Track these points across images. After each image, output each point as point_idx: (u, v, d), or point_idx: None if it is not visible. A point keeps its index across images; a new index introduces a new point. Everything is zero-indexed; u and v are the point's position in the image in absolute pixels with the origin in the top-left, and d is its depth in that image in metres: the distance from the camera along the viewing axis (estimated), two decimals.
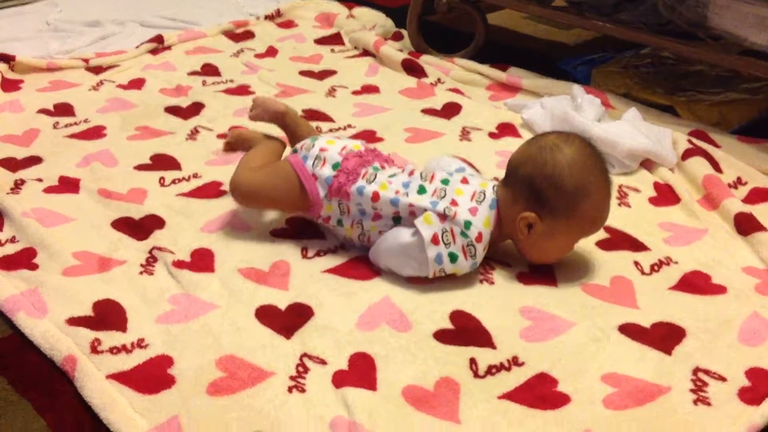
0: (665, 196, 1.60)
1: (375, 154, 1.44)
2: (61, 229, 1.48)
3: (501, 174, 1.63)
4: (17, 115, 1.96)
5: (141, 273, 1.37)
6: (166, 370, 1.15)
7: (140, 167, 1.71)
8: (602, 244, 1.42)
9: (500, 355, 1.18)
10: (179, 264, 1.38)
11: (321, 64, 2.31)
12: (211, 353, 1.18)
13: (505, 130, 1.88)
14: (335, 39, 2.49)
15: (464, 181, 1.36)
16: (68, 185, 1.64)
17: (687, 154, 1.68)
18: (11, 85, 2.12)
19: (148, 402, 1.10)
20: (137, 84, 2.14)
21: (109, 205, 1.56)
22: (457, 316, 1.26)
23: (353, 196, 1.36)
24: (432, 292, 1.31)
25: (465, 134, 1.86)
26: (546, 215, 1.28)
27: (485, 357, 1.18)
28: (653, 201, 1.59)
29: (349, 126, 1.89)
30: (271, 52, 2.39)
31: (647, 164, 1.70)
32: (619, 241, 1.45)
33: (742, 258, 1.41)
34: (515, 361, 1.17)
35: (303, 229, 1.48)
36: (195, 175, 1.67)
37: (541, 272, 1.35)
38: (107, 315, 1.26)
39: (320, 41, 2.48)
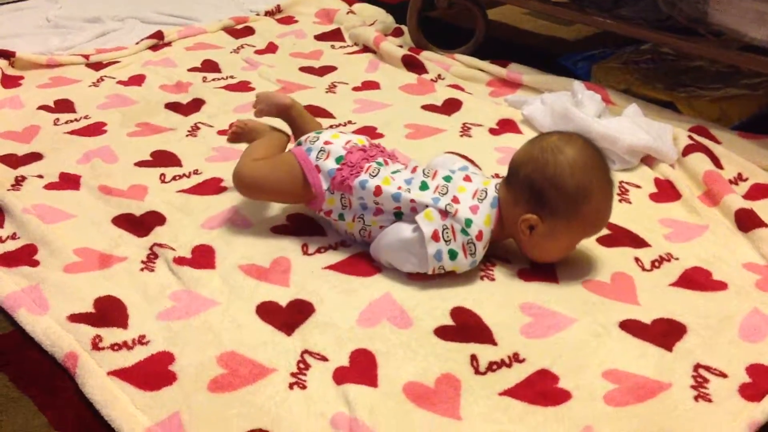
0: (666, 192, 1.60)
1: (379, 149, 1.44)
2: (61, 226, 1.48)
3: (501, 170, 1.64)
4: (17, 112, 1.96)
5: (142, 270, 1.37)
6: (167, 367, 1.16)
7: (141, 164, 1.71)
8: (603, 241, 1.42)
9: (501, 351, 1.19)
10: (180, 260, 1.38)
11: (321, 60, 2.30)
12: (212, 350, 1.18)
13: (506, 126, 1.88)
14: (335, 35, 2.49)
15: (467, 178, 1.36)
16: (69, 182, 1.64)
17: (687, 150, 1.68)
18: (11, 82, 2.12)
19: (150, 398, 1.10)
20: (137, 80, 2.14)
21: (110, 201, 1.56)
22: (458, 313, 1.26)
23: (356, 189, 1.36)
24: (433, 289, 1.31)
25: (465, 130, 1.86)
26: (547, 217, 1.28)
27: (486, 353, 1.18)
28: (654, 197, 1.59)
29: (350, 122, 1.89)
30: (271, 48, 2.39)
31: (648, 160, 1.70)
32: (620, 237, 1.45)
33: (742, 254, 1.41)
34: (516, 358, 1.17)
35: (304, 226, 1.48)
36: (195, 172, 1.67)
37: (542, 269, 1.36)
38: (108, 312, 1.26)
39: (320, 37, 2.48)
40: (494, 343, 1.20)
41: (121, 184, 1.62)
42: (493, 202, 1.32)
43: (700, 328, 1.22)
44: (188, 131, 1.86)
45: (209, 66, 2.24)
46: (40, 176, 1.65)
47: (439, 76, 2.17)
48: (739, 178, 1.64)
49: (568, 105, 1.77)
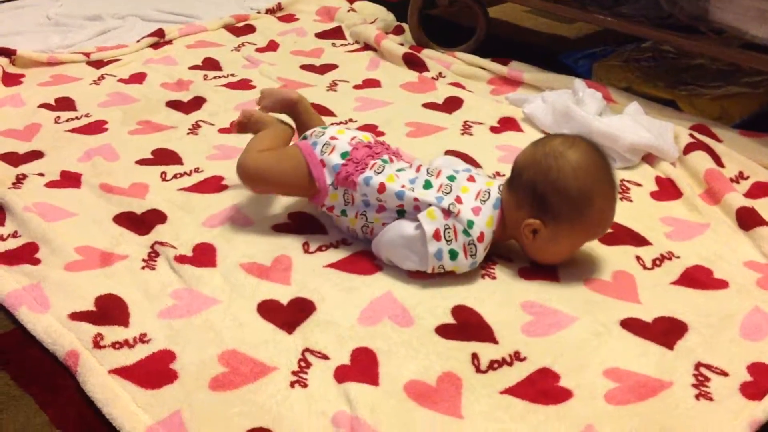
0: (667, 190, 1.60)
1: (384, 146, 1.44)
2: (62, 224, 1.48)
3: (502, 168, 1.64)
4: (18, 110, 1.96)
5: (143, 268, 1.37)
6: (169, 365, 1.16)
7: (142, 162, 1.71)
8: (604, 239, 1.42)
9: (502, 350, 1.19)
10: (181, 259, 1.38)
11: (322, 58, 2.30)
12: (213, 348, 1.18)
13: (507, 124, 1.88)
14: (336, 33, 2.48)
15: (470, 179, 1.36)
16: (70, 180, 1.64)
17: (689, 149, 1.68)
18: (12, 80, 2.12)
19: (151, 397, 1.10)
20: (138, 78, 2.14)
21: (111, 199, 1.56)
22: (459, 311, 1.26)
23: (360, 185, 1.36)
24: (434, 287, 1.31)
25: (466, 128, 1.86)
26: (550, 221, 1.28)
27: (487, 352, 1.18)
28: (655, 195, 1.59)
29: (351, 120, 1.89)
30: (272, 46, 2.39)
31: (649, 158, 1.70)
32: (621, 235, 1.44)
33: (743, 253, 1.41)
34: (517, 356, 1.17)
35: (305, 224, 1.48)
36: (196, 170, 1.67)
37: (543, 267, 1.35)
38: (109, 310, 1.26)
39: (321, 35, 2.48)
40: (495, 342, 1.20)
41: (122, 183, 1.62)
42: (495, 204, 1.32)
43: (701, 326, 1.22)
44: (189, 129, 1.86)
45: (210, 64, 2.24)
46: (41, 174, 1.65)
47: (440, 74, 2.16)
48: (740, 177, 1.63)
49: (569, 103, 1.77)
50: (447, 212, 1.29)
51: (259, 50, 2.35)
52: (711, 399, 1.09)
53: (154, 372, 1.14)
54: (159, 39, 2.39)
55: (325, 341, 1.20)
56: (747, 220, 1.46)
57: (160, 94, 2.05)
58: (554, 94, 1.86)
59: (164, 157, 1.73)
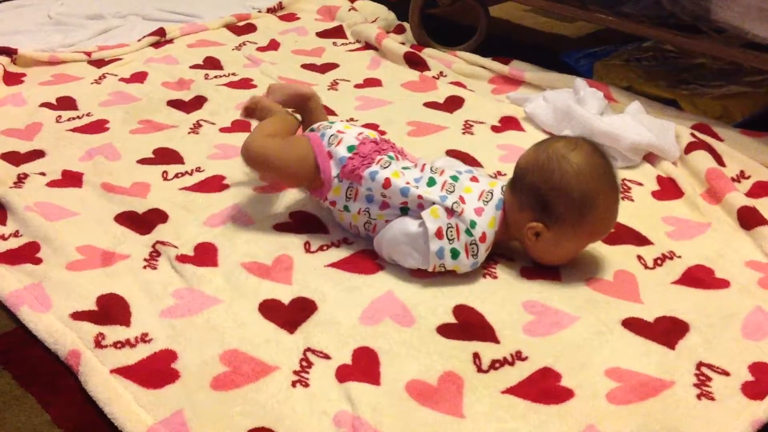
0: (668, 189, 1.60)
1: (390, 144, 1.45)
2: (64, 224, 1.48)
3: (504, 168, 1.64)
4: (20, 109, 1.96)
5: (144, 267, 1.37)
6: (170, 365, 1.16)
7: (143, 161, 1.71)
8: (606, 239, 1.41)
9: (503, 349, 1.19)
10: (183, 258, 1.38)
11: (323, 57, 2.30)
12: (214, 348, 1.19)
13: (508, 123, 1.87)
14: (337, 32, 2.48)
15: (473, 179, 1.36)
16: (71, 179, 1.64)
17: (690, 148, 1.68)
18: (13, 79, 2.12)
19: (153, 396, 1.10)
20: (139, 77, 2.13)
21: (113, 199, 1.56)
22: (461, 311, 1.26)
23: (365, 180, 1.36)
24: (435, 287, 1.31)
25: (467, 128, 1.86)
26: (553, 224, 1.28)
27: (488, 351, 1.18)
28: (656, 195, 1.59)
29: (352, 120, 1.89)
30: (273, 45, 2.39)
31: (650, 158, 1.69)
32: (623, 235, 1.44)
33: (745, 252, 1.40)
34: (519, 356, 1.17)
35: (306, 223, 1.48)
36: (198, 169, 1.67)
37: (545, 267, 1.35)
38: (111, 309, 1.27)
39: (322, 34, 2.48)
40: (497, 341, 1.20)
41: (124, 182, 1.62)
42: (498, 204, 1.32)
43: (702, 326, 1.22)
44: (190, 128, 1.86)
45: (211, 63, 2.24)
46: (43, 174, 1.65)
47: (441, 73, 2.16)
48: (742, 176, 1.63)
49: (571, 102, 1.77)
50: (450, 211, 1.29)
51: (260, 49, 2.35)
52: (712, 399, 1.09)
53: (156, 371, 1.14)
54: (160, 38, 2.39)
55: (326, 341, 1.20)
56: (748, 219, 1.46)
57: (161, 93, 2.05)
58: (555, 94, 1.86)
59: (165, 156, 1.73)
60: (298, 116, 1.59)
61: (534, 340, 1.20)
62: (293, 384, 1.12)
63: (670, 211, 1.53)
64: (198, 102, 1.99)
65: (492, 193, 1.33)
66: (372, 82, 2.11)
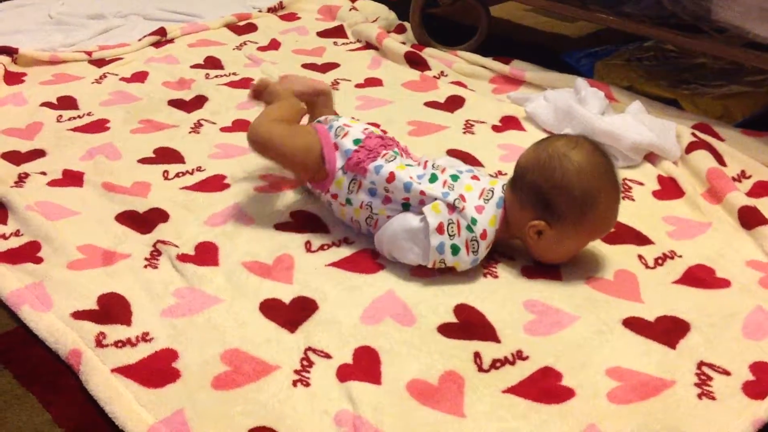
0: (669, 189, 1.60)
1: (395, 141, 1.45)
2: (65, 223, 1.48)
3: (504, 167, 1.64)
4: (20, 109, 1.96)
5: (145, 267, 1.37)
6: (171, 364, 1.16)
7: (144, 160, 1.71)
8: (606, 238, 1.42)
9: (504, 348, 1.19)
10: (183, 258, 1.38)
11: (324, 56, 2.30)
12: (215, 347, 1.19)
13: (509, 123, 1.87)
14: (338, 32, 2.48)
15: (474, 178, 1.37)
16: (72, 179, 1.64)
17: (691, 148, 1.68)
18: (14, 78, 2.12)
19: (153, 396, 1.10)
20: (140, 77, 2.13)
21: (113, 198, 1.56)
22: (462, 310, 1.26)
23: (370, 173, 1.36)
24: (436, 286, 1.31)
25: (468, 127, 1.86)
26: (554, 222, 1.28)
27: (489, 351, 1.18)
28: (657, 194, 1.59)
29: (352, 119, 1.88)
30: (274, 44, 2.39)
31: (651, 157, 1.69)
32: (624, 234, 1.44)
33: (746, 252, 1.40)
34: (519, 355, 1.17)
35: (307, 223, 1.48)
36: (198, 169, 1.67)
37: (545, 266, 1.35)
38: (112, 309, 1.27)
39: (323, 34, 2.48)
40: (498, 341, 1.20)
41: (125, 181, 1.62)
42: (498, 203, 1.32)
43: (703, 325, 1.22)
44: (191, 128, 1.86)
45: (212, 63, 2.24)
46: (43, 173, 1.65)
47: (442, 73, 2.16)
48: (743, 176, 1.63)
49: (572, 102, 1.77)
50: (452, 207, 1.29)
51: (261, 49, 2.35)
52: (713, 398, 1.09)
53: (157, 371, 1.14)
54: (161, 38, 2.39)
55: (327, 340, 1.20)
56: (749, 219, 1.46)
57: (162, 92, 2.05)
58: (556, 93, 1.86)
59: (166, 155, 1.73)
60: (304, 105, 1.59)
61: (535, 340, 1.20)
62: (294, 383, 1.12)
63: (671, 210, 1.53)
64: (199, 101, 1.99)
65: (492, 192, 1.33)
66: (373, 82, 2.11)
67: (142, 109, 1.95)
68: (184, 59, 2.26)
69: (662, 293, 1.30)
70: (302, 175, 1.48)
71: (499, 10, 2.63)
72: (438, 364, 1.16)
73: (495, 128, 1.86)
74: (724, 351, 1.17)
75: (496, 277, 1.34)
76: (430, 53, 2.25)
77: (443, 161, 1.50)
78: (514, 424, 1.06)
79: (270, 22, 2.58)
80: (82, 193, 1.59)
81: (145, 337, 1.21)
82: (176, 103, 1.98)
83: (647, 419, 1.06)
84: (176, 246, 1.41)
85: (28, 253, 1.40)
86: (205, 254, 1.40)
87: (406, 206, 1.35)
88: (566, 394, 1.10)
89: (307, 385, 1.12)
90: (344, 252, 1.40)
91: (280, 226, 1.48)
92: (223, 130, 1.85)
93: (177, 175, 1.65)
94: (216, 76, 2.14)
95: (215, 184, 1.62)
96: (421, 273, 1.33)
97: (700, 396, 1.09)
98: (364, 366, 1.15)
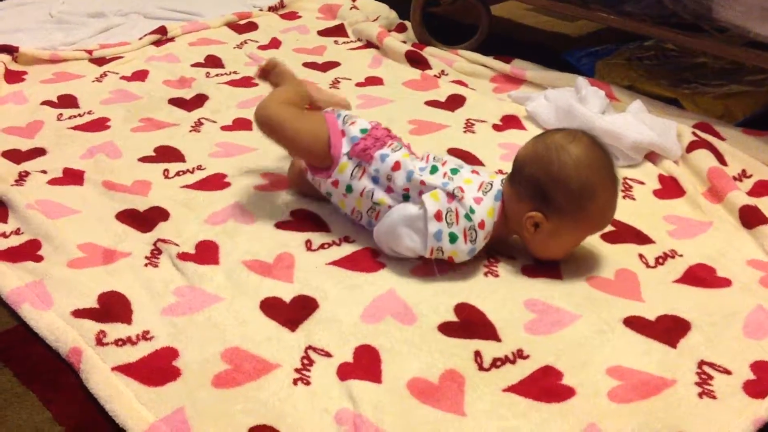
0: (670, 188, 1.60)
1: (398, 138, 1.46)
2: (65, 221, 1.48)
3: (505, 166, 1.64)
4: (21, 107, 1.96)
5: (146, 265, 1.37)
6: (172, 363, 1.16)
7: (144, 159, 1.71)
8: (607, 237, 1.42)
9: (505, 347, 1.18)
10: (184, 256, 1.38)
11: (324, 55, 2.30)
12: (216, 345, 1.18)
13: (510, 122, 1.87)
14: (338, 30, 2.48)
15: (474, 172, 1.37)
16: (72, 177, 1.63)
17: (692, 147, 1.67)
18: (15, 77, 2.12)
19: (154, 394, 1.10)
20: (141, 76, 2.13)
21: (114, 197, 1.56)
22: (462, 309, 1.26)
23: (375, 160, 1.38)
24: (437, 285, 1.31)
25: (469, 126, 1.86)
26: (552, 215, 1.28)
27: (490, 350, 1.18)
28: (658, 194, 1.59)
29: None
30: (275, 43, 2.39)
31: (652, 157, 1.69)
32: (624, 233, 1.44)
33: (746, 251, 1.40)
34: (520, 354, 1.17)
35: (307, 221, 1.48)
36: (199, 167, 1.67)
37: (546, 265, 1.35)
38: (112, 307, 1.27)
39: (323, 33, 2.48)
40: (498, 340, 1.20)
41: (125, 180, 1.62)
42: (497, 195, 1.32)
43: (704, 324, 1.22)
44: (192, 127, 1.86)
45: (212, 61, 2.24)
46: (44, 171, 1.65)
47: (443, 71, 2.16)
48: (743, 175, 1.63)
49: (572, 101, 1.77)
50: (451, 196, 1.30)
51: (262, 48, 2.35)
52: (714, 397, 1.09)
53: (157, 369, 1.14)
54: (161, 36, 2.38)
55: (327, 339, 1.20)
56: (750, 218, 1.46)
57: (163, 91, 2.05)
58: (557, 92, 1.86)
59: (167, 154, 1.73)
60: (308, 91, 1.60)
61: (535, 339, 1.20)
62: (294, 382, 1.12)
63: (672, 209, 1.53)
64: (199, 100, 1.99)
65: (491, 185, 1.34)
66: (373, 81, 2.11)
67: (143, 108, 1.95)
68: (185, 58, 2.26)
69: (663, 292, 1.30)
70: (307, 160, 1.47)
71: (500, 9, 2.64)
72: (438, 362, 1.15)
73: (496, 127, 1.86)
74: (725, 350, 1.17)
75: (496, 276, 1.34)
76: (430, 52, 2.25)
77: (446, 158, 1.50)
78: (515, 423, 1.06)
79: (271, 20, 2.58)
80: (82, 191, 1.59)
81: (145, 336, 1.21)
82: (177, 102, 1.98)
83: (648, 418, 1.06)
84: (177, 244, 1.41)
85: (29, 252, 1.40)
86: (206, 253, 1.40)
87: (406, 197, 1.35)
88: (567, 393, 1.10)
89: (308, 383, 1.12)
90: (345, 251, 1.40)
91: (281, 225, 1.47)
92: (224, 128, 1.84)
93: (177, 174, 1.65)
94: (216, 75, 2.14)
95: (216, 182, 1.61)
96: (422, 272, 1.33)
97: (700, 395, 1.09)
98: (365, 365, 1.15)
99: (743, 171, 1.64)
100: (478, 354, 1.17)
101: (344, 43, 2.40)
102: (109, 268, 1.36)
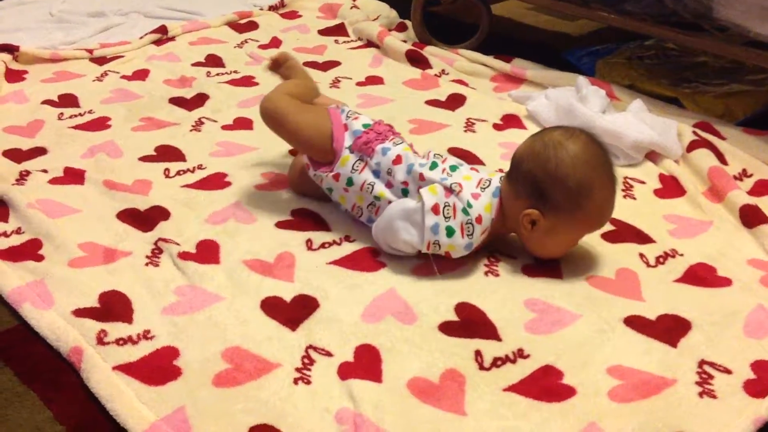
0: (670, 188, 1.60)
1: (399, 134, 1.47)
2: (66, 221, 1.48)
3: (505, 165, 1.63)
4: (22, 106, 1.96)
5: (146, 264, 1.37)
6: (172, 362, 1.16)
7: (145, 158, 1.71)
8: (608, 237, 1.42)
9: (505, 347, 1.19)
10: (185, 255, 1.38)
11: (325, 55, 2.30)
12: (216, 345, 1.19)
13: (510, 121, 1.87)
14: (339, 30, 2.48)
15: (473, 170, 1.38)
16: (73, 176, 1.63)
17: (692, 146, 1.68)
18: (15, 76, 2.12)
19: (155, 393, 1.10)
20: (141, 75, 2.13)
21: (115, 196, 1.56)
22: (463, 308, 1.26)
23: (377, 153, 1.39)
24: (437, 285, 1.31)
25: (469, 125, 1.86)
26: (549, 212, 1.28)
27: (490, 349, 1.18)
28: (658, 193, 1.59)
29: None
30: (275, 42, 2.39)
31: (652, 156, 1.69)
32: (625, 233, 1.44)
33: (747, 250, 1.40)
34: (520, 354, 1.17)
35: (308, 221, 1.48)
36: (200, 167, 1.67)
37: (547, 265, 1.35)
38: (113, 306, 1.27)
39: (324, 32, 2.48)
40: (499, 339, 1.20)
41: (126, 179, 1.62)
42: (495, 192, 1.33)
43: (704, 324, 1.22)
44: (192, 126, 1.86)
45: (213, 61, 2.24)
46: (45, 171, 1.65)
47: (443, 71, 2.16)
48: (744, 174, 1.63)
49: (573, 100, 1.77)
50: (449, 190, 1.30)
51: (262, 47, 2.35)
52: (714, 397, 1.09)
53: (158, 368, 1.14)
54: (162, 35, 2.38)
55: (328, 338, 1.20)
56: (750, 217, 1.46)
57: (163, 90, 2.05)
58: (557, 92, 1.86)
59: (167, 153, 1.73)
60: (317, 86, 1.63)
61: (536, 338, 1.20)
62: (295, 381, 1.12)
63: (672, 209, 1.53)
64: (200, 99, 1.99)
65: (490, 182, 1.34)
66: (374, 80, 2.11)
67: (143, 107, 1.95)
68: (186, 57, 2.26)
69: (663, 292, 1.30)
70: (309, 154, 1.48)
71: (501, 9, 2.63)
72: (439, 362, 1.16)
73: (496, 126, 1.86)
74: (725, 349, 1.17)
75: (497, 275, 1.34)
76: (431, 51, 2.25)
77: (446, 156, 1.51)
78: (515, 423, 1.06)
79: (271, 20, 2.58)
80: (83, 190, 1.59)
81: (146, 335, 1.21)
82: (177, 101, 1.98)
83: (648, 418, 1.06)
84: (177, 244, 1.41)
85: (30, 251, 1.40)
86: (206, 252, 1.40)
87: (405, 192, 1.36)
88: (567, 392, 1.10)
89: (308, 383, 1.12)
90: (345, 250, 1.40)
91: (281, 224, 1.48)
92: (224, 128, 1.84)
93: (178, 173, 1.65)
94: (217, 74, 2.14)
95: (216, 182, 1.62)
96: (423, 271, 1.33)
97: (701, 394, 1.09)
98: (365, 364, 1.15)
99: (744, 170, 1.64)
100: (478, 353, 1.17)
101: (345, 42, 2.40)
102: (110, 268, 1.36)
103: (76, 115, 1.92)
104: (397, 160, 1.37)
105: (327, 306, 1.27)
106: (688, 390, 1.10)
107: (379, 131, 1.43)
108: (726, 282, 1.32)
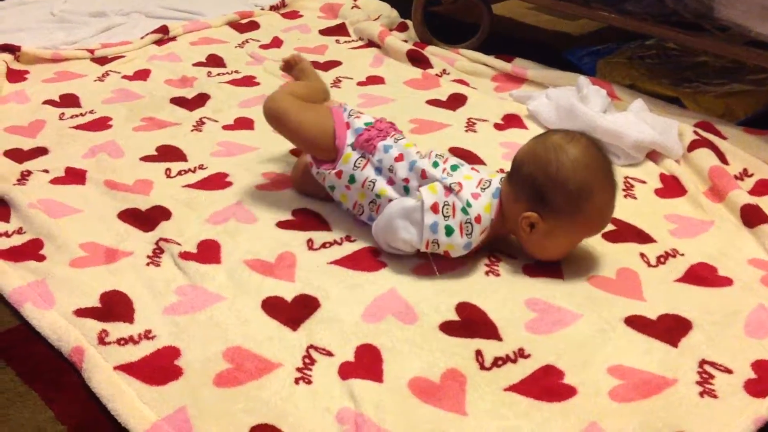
0: (671, 187, 1.60)
1: (401, 132, 1.48)
2: (67, 221, 1.48)
3: (506, 165, 1.63)
4: (23, 106, 1.96)
5: (148, 264, 1.37)
6: (173, 362, 1.16)
7: (146, 158, 1.71)
8: (608, 236, 1.42)
9: (506, 347, 1.19)
10: (186, 255, 1.38)
11: (326, 54, 2.30)
12: (217, 345, 1.19)
13: (511, 121, 1.87)
14: (340, 30, 2.48)
15: (473, 170, 1.38)
16: (75, 176, 1.64)
17: (693, 146, 1.68)
18: (17, 76, 2.12)
19: (156, 393, 1.10)
20: (142, 75, 2.14)
21: (116, 196, 1.56)
22: (463, 308, 1.26)
23: (378, 150, 1.39)
24: (438, 284, 1.31)
25: (470, 125, 1.86)
26: (548, 215, 1.28)
27: (491, 349, 1.18)
28: (659, 193, 1.59)
29: None
30: (276, 42, 2.39)
31: (653, 156, 1.69)
32: (626, 233, 1.44)
33: (748, 250, 1.40)
34: (521, 353, 1.17)
35: (309, 221, 1.48)
36: (201, 167, 1.68)
37: (547, 265, 1.35)
38: (114, 306, 1.27)
39: (325, 32, 2.48)
40: (499, 339, 1.20)
41: (127, 179, 1.62)
42: (495, 193, 1.33)
43: (705, 323, 1.22)
44: (193, 126, 1.86)
45: (214, 61, 2.24)
46: (46, 171, 1.66)
47: (444, 71, 2.16)
48: (745, 174, 1.63)
49: (574, 100, 1.77)
50: (449, 189, 1.30)
51: (263, 47, 2.35)
52: (715, 396, 1.09)
53: (159, 368, 1.14)
54: (163, 36, 2.39)
55: (329, 338, 1.20)
56: (751, 217, 1.46)
57: (164, 90, 2.05)
58: (558, 91, 1.86)
59: (168, 153, 1.73)
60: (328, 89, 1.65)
61: (536, 338, 1.20)
62: (296, 381, 1.12)
63: (673, 208, 1.53)
64: (201, 99, 1.99)
65: (490, 182, 1.34)
66: (375, 80, 2.11)
67: (145, 107, 1.95)
68: (187, 57, 2.26)
69: (664, 291, 1.30)
70: (312, 152, 1.48)
71: (501, 8, 2.63)
72: (440, 362, 1.16)
73: (497, 126, 1.86)
74: (726, 349, 1.17)
75: (497, 275, 1.34)
76: (432, 51, 2.25)
77: (447, 156, 1.51)
78: (516, 422, 1.06)
79: (272, 20, 2.58)
80: (84, 190, 1.59)
81: (147, 335, 1.21)
82: (178, 101, 1.98)
83: (649, 417, 1.06)
84: (178, 244, 1.41)
85: (31, 251, 1.40)
86: (207, 252, 1.40)
87: (406, 189, 1.36)
88: (568, 392, 1.10)
89: (309, 382, 1.12)
90: (346, 250, 1.40)
91: (282, 224, 1.48)
92: (225, 128, 1.85)
93: (179, 173, 1.65)
94: (218, 74, 2.15)
95: (217, 182, 1.62)
96: (423, 271, 1.33)
97: (701, 394, 1.09)
98: (366, 364, 1.15)
99: (744, 170, 1.64)
100: (479, 353, 1.17)
101: (345, 42, 2.40)
102: (111, 268, 1.36)
103: (77, 115, 1.92)
104: (399, 157, 1.37)
105: (328, 306, 1.27)
106: (688, 390, 1.10)
107: (381, 128, 1.43)
108: (727, 282, 1.32)
